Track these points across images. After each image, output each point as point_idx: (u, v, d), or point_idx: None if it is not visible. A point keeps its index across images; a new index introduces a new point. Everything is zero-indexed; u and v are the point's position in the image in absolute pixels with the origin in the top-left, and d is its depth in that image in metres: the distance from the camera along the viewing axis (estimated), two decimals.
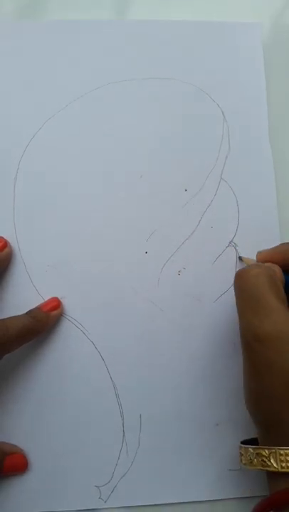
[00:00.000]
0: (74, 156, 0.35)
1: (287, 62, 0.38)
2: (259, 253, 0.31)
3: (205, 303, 0.34)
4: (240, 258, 0.34)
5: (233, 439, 0.31)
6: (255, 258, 0.32)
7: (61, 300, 0.33)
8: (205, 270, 0.34)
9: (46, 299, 0.33)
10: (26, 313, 0.31)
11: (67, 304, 0.33)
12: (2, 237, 0.33)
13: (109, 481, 0.31)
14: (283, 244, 0.31)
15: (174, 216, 0.34)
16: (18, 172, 0.34)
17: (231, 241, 0.35)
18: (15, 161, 0.35)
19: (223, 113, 0.36)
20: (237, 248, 0.34)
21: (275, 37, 0.38)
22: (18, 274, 0.33)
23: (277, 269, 0.28)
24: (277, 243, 0.34)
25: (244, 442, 0.27)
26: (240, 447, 0.27)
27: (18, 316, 0.31)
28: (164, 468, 0.32)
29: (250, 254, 0.34)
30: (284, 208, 0.35)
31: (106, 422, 0.32)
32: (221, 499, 0.31)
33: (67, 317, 0.33)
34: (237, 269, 0.29)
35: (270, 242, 0.34)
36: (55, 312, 0.32)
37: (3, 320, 0.30)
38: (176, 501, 0.31)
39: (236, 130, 0.36)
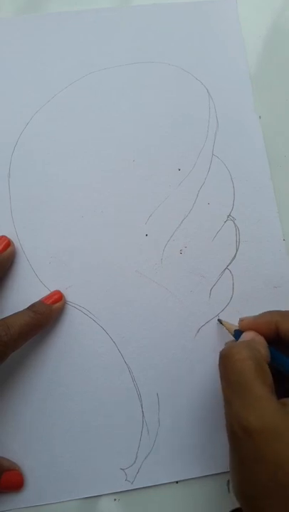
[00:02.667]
0: (66, 145, 0.35)
1: (288, 62, 0.38)
2: (242, 321, 0.30)
3: (209, 278, 0.34)
4: (219, 321, 0.33)
5: None
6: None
7: (67, 289, 0.33)
8: (206, 246, 0.34)
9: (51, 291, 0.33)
10: (28, 308, 0.31)
11: (74, 293, 0.33)
12: (5, 236, 0.33)
13: (133, 463, 0.32)
14: (267, 312, 0.29)
15: (170, 196, 0.35)
16: (11, 167, 0.34)
17: (229, 215, 0.35)
18: (6, 155, 0.34)
19: (207, 90, 0.36)
20: (235, 222, 0.35)
21: (276, 37, 0.38)
22: (22, 269, 0.33)
23: (262, 344, 0.28)
24: (274, 214, 0.35)
25: None
26: None
27: (19, 312, 0.31)
28: (185, 444, 0.32)
29: (249, 229, 0.34)
30: (278, 178, 0.36)
31: (125, 405, 0.32)
32: None
33: (75, 305, 0.33)
34: (220, 337, 0.28)
35: (268, 213, 0.35)
36: (57, 304, 0.32)
37: (4, 319, 0.30)
38: (201, 475, 0.32)
39: (222, 105, 0.36)
